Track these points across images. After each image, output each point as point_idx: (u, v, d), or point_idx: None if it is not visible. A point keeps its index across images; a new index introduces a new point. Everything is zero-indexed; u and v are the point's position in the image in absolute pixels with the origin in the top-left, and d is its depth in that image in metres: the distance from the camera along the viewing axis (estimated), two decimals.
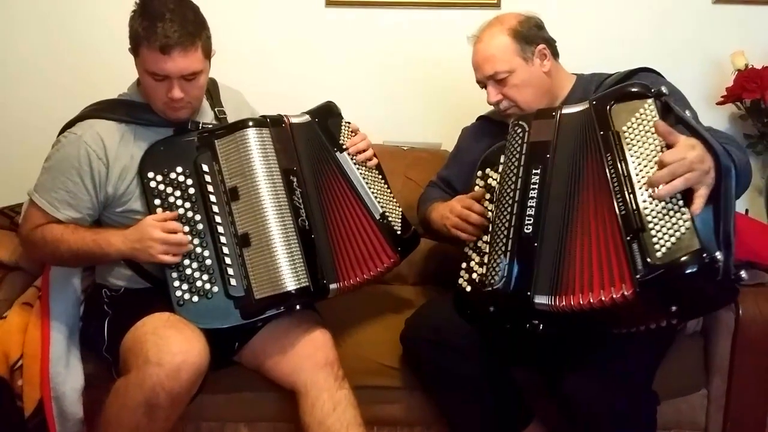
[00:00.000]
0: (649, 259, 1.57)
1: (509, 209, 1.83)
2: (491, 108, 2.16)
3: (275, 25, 2.75)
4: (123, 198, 1.95)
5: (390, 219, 2.11)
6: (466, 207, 1.96)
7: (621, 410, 1.78)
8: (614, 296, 1.62)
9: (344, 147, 2.10)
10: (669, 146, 1.63)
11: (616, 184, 1.69)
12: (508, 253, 1.79)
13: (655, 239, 1.59)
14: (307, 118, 2.09)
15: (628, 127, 1.73)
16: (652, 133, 1.68)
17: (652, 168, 1.64)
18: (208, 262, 1.90)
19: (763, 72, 2.58)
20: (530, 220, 1.79)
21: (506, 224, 1.83)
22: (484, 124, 2.29)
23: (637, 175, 1.67)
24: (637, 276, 1.58)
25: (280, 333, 1.99)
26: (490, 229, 1.90)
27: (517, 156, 1.87)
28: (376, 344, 2.14)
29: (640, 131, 1.71)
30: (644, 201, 1.64)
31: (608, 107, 1.77)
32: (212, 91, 2.12)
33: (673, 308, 1.62)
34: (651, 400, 1.89)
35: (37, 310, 2.06)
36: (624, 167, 1.69)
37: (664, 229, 1.59)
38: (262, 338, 2.00)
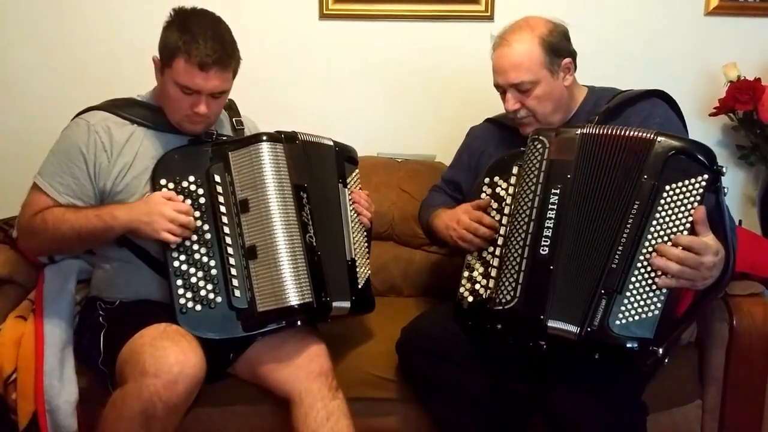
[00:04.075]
0: (607, 323, 1.66)
1: (524, 227, 1.79)
2: (499, 111, 2.13)
3: (269, 38, 2.76)
4: (120, 195, 1.96)
5: (357, 269, 2.09)
6: (475, 220, 1.93)
7: (607, 423, 1.77)
8: (564, 329, 1.71)
9: (348, 185, 2.14)
10: (695, 233, 1.65)
11: (625, 235, 1.68)
12: (522, 273, 1.77)
13: (622, 308, 1.66)
14: (330, 141, 2.12)
15: (672, 188, 1.68)
16: (688, 209, 1.66)
17: (666, 242, 1.66)
18: (214, 272, 1.91)
19: (756, 83, 2.60)
20: (546, 241, 1.76)
21: (521, 242, 1.79)
22: (492, 127, 2.24)
23: (648, 240, 1.67)
24: (588, 328, 1.67)
25: (275, 342, 1.99)
26: (501, 242, 1.87)
27: (536, 172, 1.82)
28: (371, 356, 2.14)
29: (679, 199, 1.67)
30: (637, 269, 1.67)
31: (669, 154, 1.70)
32: (231, 105, 2.18)
33: (596, 356, 1.71)
34: (639, 411, 1.87)
35: (31, 323, 2.05)
36: (644, 225, 1.67)
37: (635, 305, 1.66)
38: (257, 348, 2.00)
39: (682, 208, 1.67)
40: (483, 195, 1.97)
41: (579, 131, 1.83)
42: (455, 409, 1.97)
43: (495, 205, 1.94)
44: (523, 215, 1.81)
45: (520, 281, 1.77)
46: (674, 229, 1.66)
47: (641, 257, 1.67)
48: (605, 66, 2.59)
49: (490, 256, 1.90)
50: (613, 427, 1.78)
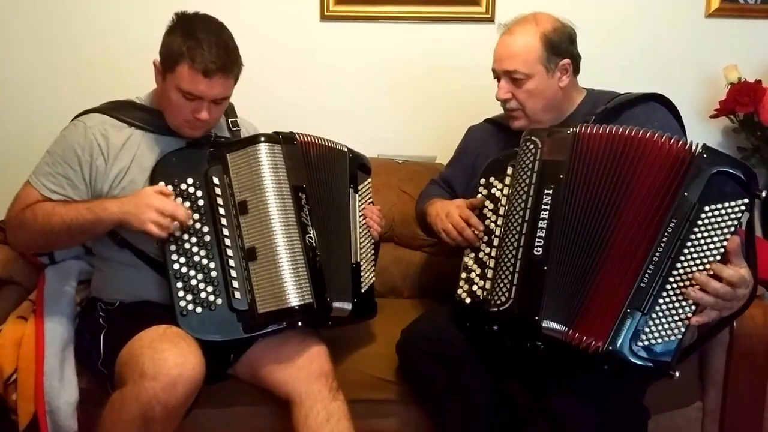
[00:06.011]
0: (629, 343, 1.64)
1: (518, 228, 1.79)
2: (499, 112, 2.14)
3: (270, 40, 2.77)
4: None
5: (361, 273, 2.10)
6: (464, 218, 1.94)
7: (608, 426, 1.77)
8: (590, 342, 1.69)
9: (359, 191, 2.15)
10: (728, 262, 1.62)
11: (657, 254, 1.64)
12: (516, 274, 1.76)
13: (646, 329, 1.64)
14: (344, 147, 2.14)
15: (710, 210, 1.62)
16: (724, 234, 1.61)
17: (697, 267, 1.62)
18: (214, 274, 1.91)
19: (756, 86, 2.60)
20: (540, 242, 1.75)
21: (515, 243, 1.79)
22: (491, 127, 2.25)
23: (681, 262, 1.63)
24: (609, 347, 1.65)
25: (275, 343, 1.99)
26: (496, 243, 1.87)
27: (529, 173, 1.82)
28: (371, 357, 2.14)
29: (717, 222, 1.61)
30: (667, 291, 1.64)
31: (712, 172, 1.63)
32: (228, 106, 2.17)
33: (605, 366, 1.71)
34: (640, 414, 1.87)
35: (31, 323, 2.05)
36: (679, 246, 1.63)
37: (659, 328, 1.64)
38: (257, 349, 2.00)
39: (719, 232, 1.62)
40: (479, 195, 1.97)
41: (571, 131, 1.82)
42: (455, 411, 1.97)
43: (491, 206, 1.94)
44: (517, 216, 1.81)
45: (515, 282, 1.76)
46: (708, 254, 1.62)
47: (671, 279, 1.63)
48: (606, 68, 2.58)
49: (486, 257, 1.90)
50: (615, 430, 1.78)
